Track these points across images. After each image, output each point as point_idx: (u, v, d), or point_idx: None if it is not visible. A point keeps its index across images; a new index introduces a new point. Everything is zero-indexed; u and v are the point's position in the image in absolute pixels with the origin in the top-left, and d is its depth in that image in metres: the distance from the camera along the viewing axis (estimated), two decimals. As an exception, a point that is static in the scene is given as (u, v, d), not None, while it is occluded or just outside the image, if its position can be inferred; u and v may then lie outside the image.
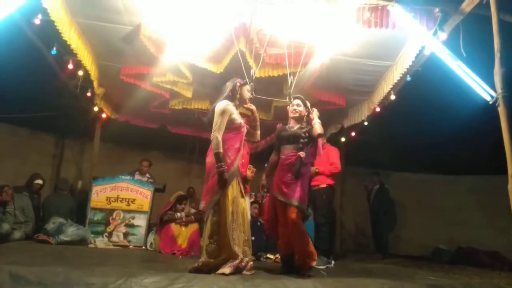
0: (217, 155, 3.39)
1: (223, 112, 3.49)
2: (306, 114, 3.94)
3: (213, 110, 3.56)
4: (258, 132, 3.91)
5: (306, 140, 3.77)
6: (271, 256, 5.13)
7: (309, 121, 3.90)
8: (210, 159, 3.53)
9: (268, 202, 4.05)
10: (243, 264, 3.39)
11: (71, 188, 7.26)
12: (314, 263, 3.68)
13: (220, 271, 3.23)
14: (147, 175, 6.75)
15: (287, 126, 4.00)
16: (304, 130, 3.82)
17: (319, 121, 3.82)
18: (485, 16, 3.37)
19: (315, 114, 3.89)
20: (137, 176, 6.52)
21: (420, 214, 8.37)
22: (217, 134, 3.43)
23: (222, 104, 3.53)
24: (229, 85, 3.68)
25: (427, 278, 3.86)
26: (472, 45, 3.67)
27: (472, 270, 5.43)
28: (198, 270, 3.27)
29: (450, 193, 8.36)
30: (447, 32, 3.82)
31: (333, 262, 5.03)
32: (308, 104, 4.01)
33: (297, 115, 3.93)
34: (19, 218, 5.37)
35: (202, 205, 5.46)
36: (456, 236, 7.64)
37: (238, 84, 3.69)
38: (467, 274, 4.82)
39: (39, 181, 6.27)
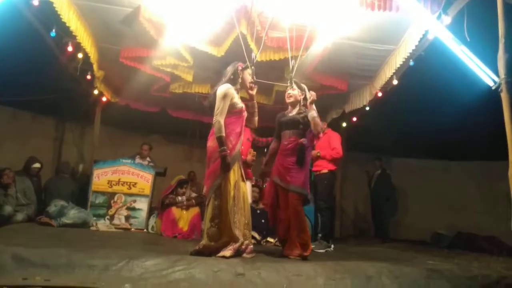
0: (219, 139, 3.38)
1: (225, 96, 3.46)
2: (303, 97, 3.92)
3: (214, 94, 3.54)
4: (256, 118, 3.89)
5: (304, 125, 3.76)
6: (271, 240, 5.17)
7: (306, 105, 3.89)
8: (211, 143, 3.52)
9: (268, 187, 4.06)
10: (243, 247, 3.43)
11: (72, 171, 7.29)
12: (305, 254, 3.68)
13: (221, 254, 3.26)
14: (148, 158, 6.76)
15: (286, 112, 3.99)
16: (302, 115, 3.81)
17: (316, 115, 3.76)
18: (490, -1, 3.32)
19: (312, 109, 3.80)
20: (137, 160, 6.53)
21: (420, 200, 8.41)
22: (219, 118, 3.41)
23: (224, 88, 3.50)
24: (230, 69, 3.65)
25: (426, 262, 3.90)
26: (476, 30, 3.62)
27: (471, 255, 5.48)
28: (199, 253, 3.31)
29: (450, 178, 8.39)
30: (451, 16, 3.76)
31: (332, 246, 5.08)
32: (305, 87, 3.98)
33: (292, 99, 3.94)
34: (21, 201, 5.41)
35: (205, 189, 5.48)
36: (456, 222, 7.70)
37: (240, 68, 3.66)
38: (466, 258, 4.87)
39: (37, 165, 6.26)
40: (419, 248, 6.21)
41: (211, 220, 3.43)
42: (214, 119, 3.44)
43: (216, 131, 3.41)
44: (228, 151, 3.41)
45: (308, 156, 3.89)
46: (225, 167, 3.37)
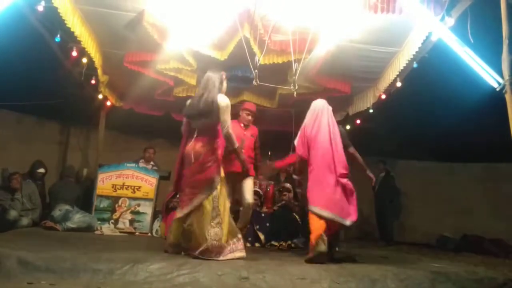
0: (236, 150, 3.78)
1: (228, 107, 3.60)
2: None
3: (212, 103, 3.53)
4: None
5: None
6: (275, 243, 5.16)
7: None
8: (203, 149, 3.55)
9: None
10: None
11: (77, 176, 7.32)
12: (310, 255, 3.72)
13: (228, 257, 3.41)
14: (152, 162, 6.77)
15: None
16: None
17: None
18: (494, 1, 3.31)
19: None
20: (141, 164, 6.54)
21: (425, 202, 8.36)
22: (230, 130, 3.63)
23: (226, 100, 3.61)
24: (216, 78, 3.68)
25: (431, 265, 3.87)
26: (480, 31, 3.60)
27: (477, 258, 5.45)
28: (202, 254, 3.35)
29: (455, 180, 8.34)
30: (454, 18, 3.76)
31: (337, 248, 5.05)
32: None
33: None
34: (26, 205, 5.44)
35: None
36: (461, 224, 7.64)
37: (225, 76, 3.79)
38: (472, 261, 4.83)
39: (42, 170, 6.27)
40: (425, 251, 6.18)
41: (212, 221, 3.44)
42: (226, 132, 3.59)
43: (232, 143, 3.68)
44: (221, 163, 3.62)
45: None
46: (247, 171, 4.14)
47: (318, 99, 4.15)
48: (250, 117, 4.78)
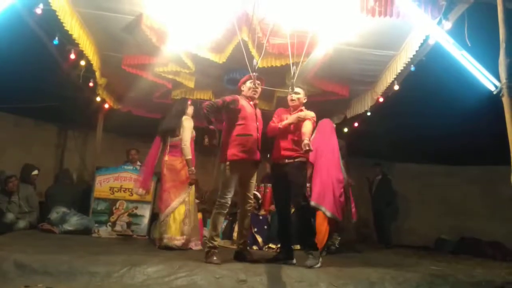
0: (187, 161, 4.66)
1: (188, 128, 4.83)
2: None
3: (176, 124, 4.81)
4: None
5: None
6: (273, 246, 5.15)
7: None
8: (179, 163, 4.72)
9: None
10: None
11: (72, 179, 7.30)
12: None
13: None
14: (138, 163, 6.66)
15: None
16: None
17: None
18: (491, 4, 3.33)
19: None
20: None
21: (423, 205, 8.38)
22: (188, 144, 4.69)
23: (189, 122, 4.86)
24: (182, 103, 5.07)
25: (429, 268, 3.88)
26: (477, 35, 3.62)
27: (475, 260, 5.45)
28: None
29: (453, 183, 8.35)
30: (451, 21, 3.77)
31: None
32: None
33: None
34: (23, 208, 5.43)
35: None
36: (459, 227, 7.66)
37: (190, 103, 5.00)
38: (470, 264, 4.84)
39: (36, 172, 6.20)
40: (423, 253, 6.18)
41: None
42: (182, 145, 4.68)
43: (186, 154, 4.66)
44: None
45: None
46: (192, 182, 4.71)
47: (326, 119, 5.14)
48: (254, 85, 3.89)
